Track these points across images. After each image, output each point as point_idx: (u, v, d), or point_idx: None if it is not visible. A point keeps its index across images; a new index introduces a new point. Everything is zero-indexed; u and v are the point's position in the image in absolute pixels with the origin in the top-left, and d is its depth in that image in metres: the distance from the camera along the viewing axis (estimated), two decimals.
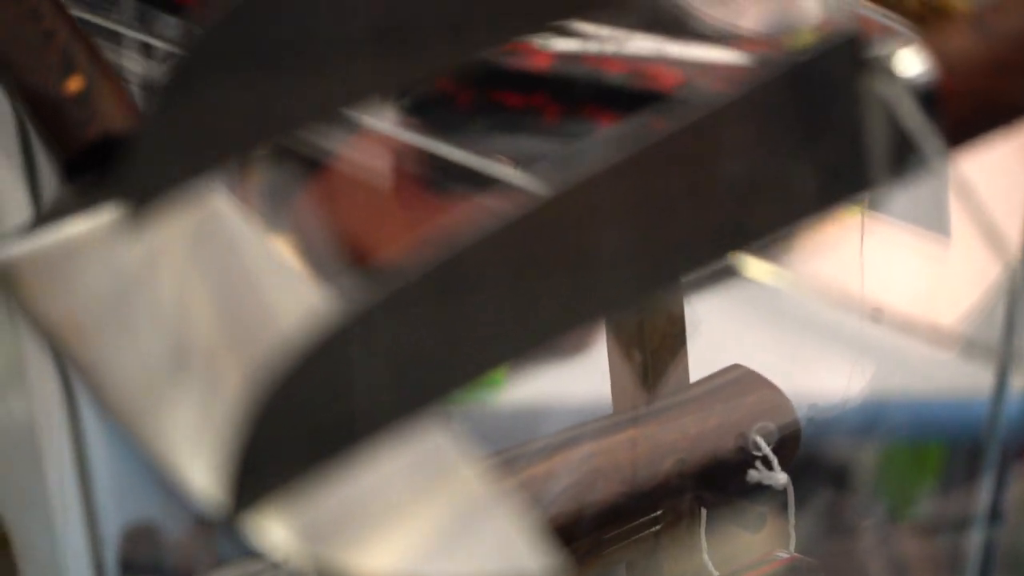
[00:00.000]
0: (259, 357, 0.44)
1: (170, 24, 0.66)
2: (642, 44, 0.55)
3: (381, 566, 0.38)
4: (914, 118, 0.40)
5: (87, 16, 0.67)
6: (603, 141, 0.38)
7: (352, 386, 0.34)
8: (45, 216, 0.50)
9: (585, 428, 0.50)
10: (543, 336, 0.37)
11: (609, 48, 0.54)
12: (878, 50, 0.41)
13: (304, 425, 0.34)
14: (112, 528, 0.55)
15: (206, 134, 0.38)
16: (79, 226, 0.49)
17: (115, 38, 0.67)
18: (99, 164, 0.52)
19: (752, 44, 0.57)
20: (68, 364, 0.48)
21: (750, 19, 0.61)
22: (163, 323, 0.47)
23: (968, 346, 0.46)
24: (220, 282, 0.48)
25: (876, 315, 0.48)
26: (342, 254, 0.61)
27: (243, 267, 0.48)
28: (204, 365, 0.46)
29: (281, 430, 0.33)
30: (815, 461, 0.51)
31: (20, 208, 0.63)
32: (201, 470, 0.43)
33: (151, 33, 0.67)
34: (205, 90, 0.38)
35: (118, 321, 0.47)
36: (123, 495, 0.55)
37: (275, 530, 0.35)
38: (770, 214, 0.40)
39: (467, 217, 0.36)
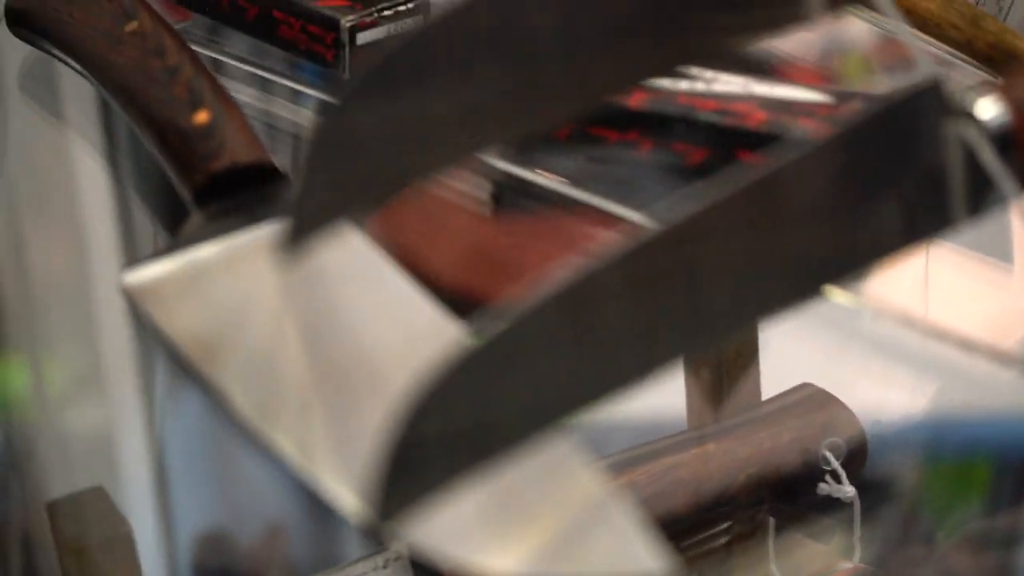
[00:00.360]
0: (381, 378, 0.46)
1: (279, 58, 0.68)
2: (729, 82, 0.57)
3: (505, 567, 0.39)
4: (991, 160, 0.42)
5: (206, 52, 0.69)
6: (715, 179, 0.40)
7: (491, 404, 0.36)
8: (178, 240, 0.52)
9: (663, 442, 0.51)
10: (665, 359, 0.39)
11: (699, 87, 0.56)
12: (958, 95, 0.42)
13: (447, 438, 0.35)
14: (186, 536, 0.56)
15: (364, 171, 0.39)
16: (208, 251, 0.51)
17: (232, 73, 0.68)
18: (226, 193, 0.54)
19: (817, 77, 0.59)
20: (195, 379, 0.48)
21: (801, 44, 0.63)
22: (283, 346, 0.48)
23: None
24: (340, 309, 0.49)
25: (939, 333, 0.50)
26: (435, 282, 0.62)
27: (363, 294, 0.49)
28: (322, 387, 0.47)
29: (427, 442, 0.35)
30: (880, 476, 0.52)
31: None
32: (338, 479, 0.44)
33: (265, 68, 0.69)
34: (363, 129, 0.38)
35: (244, 340, 0.48)
36: (198, 503, 0.56)
37: (415, 533, 0.37)
38: (857, 251, 0.42)
39: (575, 245, 0.38)
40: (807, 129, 0.54)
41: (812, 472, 0.49)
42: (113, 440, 0.55)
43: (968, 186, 0.42)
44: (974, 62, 0.61)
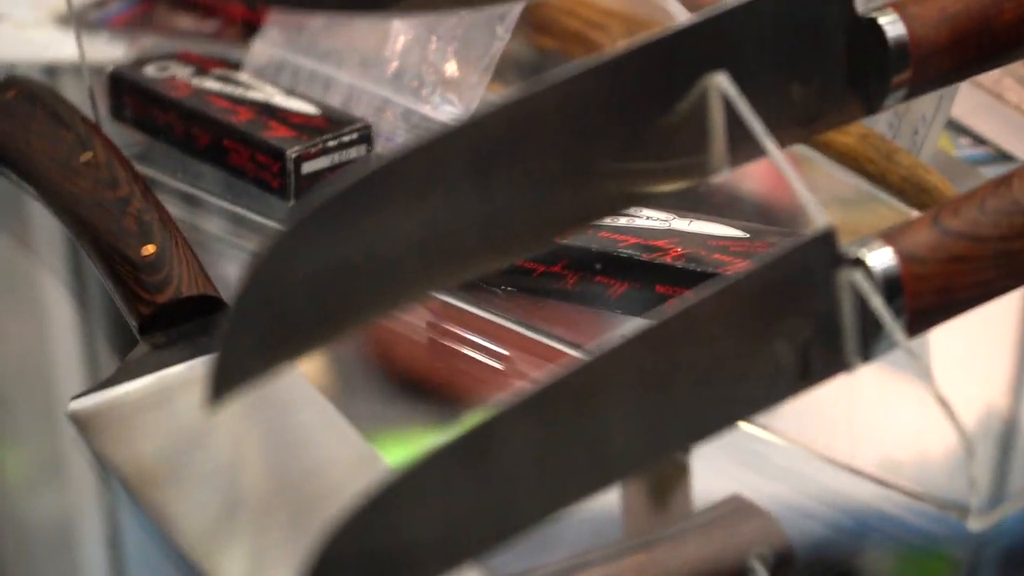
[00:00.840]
0: (310, 506, 0.46)
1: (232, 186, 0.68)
2: (651, 218, 0.58)
3: None
4: (880, 307, 0.43)
5: (150, 172, 0.69)
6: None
7: (403, 538, 0.36)
8: (121, 370, 0.52)
9: (598, 553, 0.50)
10: (566, 499, 0.40)
11: (622, 222, 0.57)
12: (850, 244, 0.44)
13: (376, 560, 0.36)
14: None
15: (296, 319, 0.39)
16: (150, 382, 0.51)
17: (189, 199, 0.69)
18: (171, 324, 0.54)
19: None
20: (135, 502, 0.48)
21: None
22: (220, 474, 0.49)
23: (941, 501, 0.49)
24: (274, 438, 0.49)
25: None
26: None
27: (296, 424, 0.50)
28: (257, 514, 0.47)
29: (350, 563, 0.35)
30: None
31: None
32: None
33: (215, 193, 0.69)
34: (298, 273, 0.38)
35: (181, 469, 0.49)
36: None
37: None
38: (752, 394, 0.43)
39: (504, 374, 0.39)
40: (722, 263, 0.55)
41: None
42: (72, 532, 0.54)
43: (860, 331, 0.43)
44: (888, 193, 0.63)
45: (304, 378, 0.51)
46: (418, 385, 0.62)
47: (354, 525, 0.35)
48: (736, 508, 0.52)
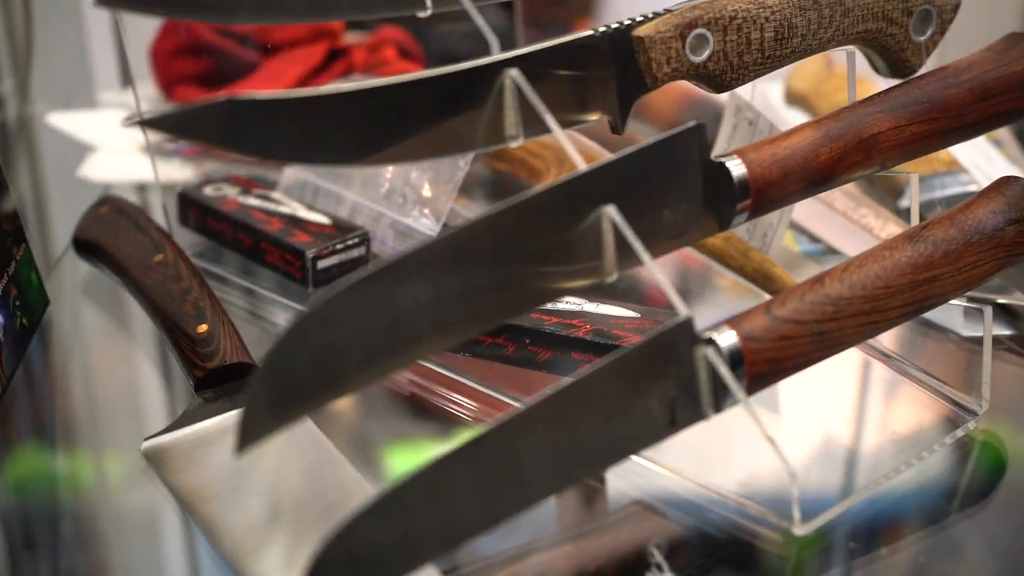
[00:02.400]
0: (314, 524, 0.46)
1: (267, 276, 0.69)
2: (570, 303, 0.58)
3: None
4: (726, 374, 0.43)
5: (208, 266, 0.70)
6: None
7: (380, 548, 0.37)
8: (180, 419, 0.52)
9: (540, 543, 0.50)
10: (493, 522, 0.39)
11: (547, 305, 0.56)
12: (704, 328, 0.44)
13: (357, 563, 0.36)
14: None
15: (304, 385, 0.38)
16: (204, 426, 0.51)
17: (234, 286, 0.69)
18: (217, 383, 0.54)
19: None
20: (189, 516, 0.48)
21: None
22: (253, 497, 0.48)
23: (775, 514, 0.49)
24: (290, 473, 0.49)
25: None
26: None
27: (306, 461, 0.49)
28: (293, 519, 0.47)
29: (338, 565, 0.36)
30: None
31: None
32: None
33: (255, 282, 0.69)
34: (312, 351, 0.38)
35: (223, 493, 0.48)
36: None
37: None
38: (633, 438, 0.43)
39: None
40: (620, 336, 0.55)
41: (642, 564, 0.48)
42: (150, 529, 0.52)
43: (712, 392, 0.44)
44: (745, 280, 0.63)
45: (314, 426, 0.50)
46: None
47: (341, 536, 0.36)
48: (640, 509, 0.52)
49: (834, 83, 0.81)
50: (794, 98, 0.85)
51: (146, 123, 0.38)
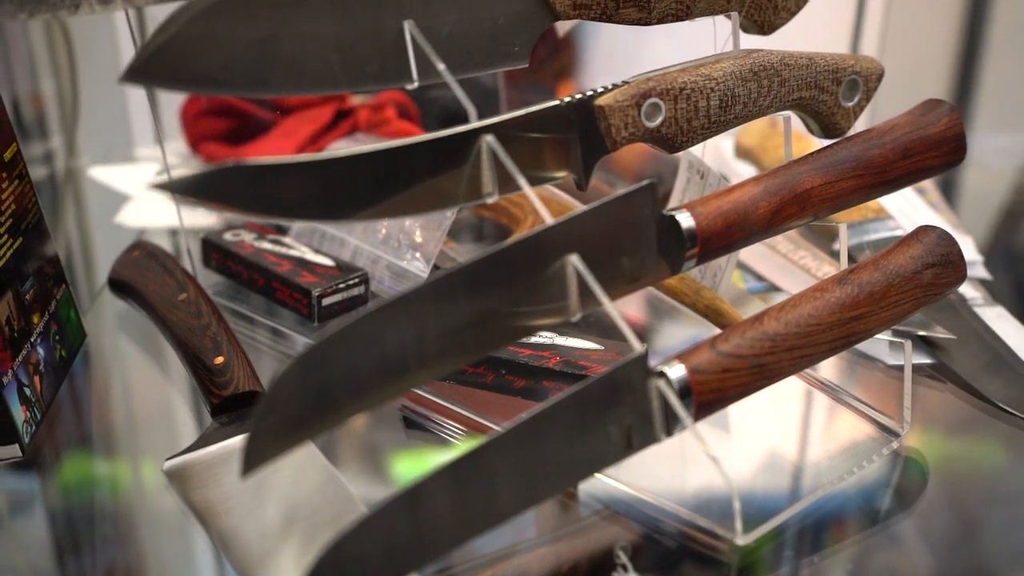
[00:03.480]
0: (311, 537, 0.46)
1: (278, 312, 0.68)
2: (542, 336, 0.58)
3: None
4: (676, 403, 0.43)
5: (227, 303, 0.69)
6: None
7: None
8: (198, 441, 0.52)
9: (520, 546, 0.50)
10: (470, 535, 0.39)
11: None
12: (657, 362, 0.44)
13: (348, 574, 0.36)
14: None
15: (302, 414, 0.38)
16: (218, 447, 0.51)
17: (249, 320, 0.68)
18: (232, 409, 0.54)
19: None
20: (204, 529, 0.47)
21: None
22: (280, 500, 0.48)
23: (720, 526, 0.48)
24: (292, 492, 0.48)
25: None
26: None
27: (305, 482, 0.49)
28: (296, 532, 0.47)
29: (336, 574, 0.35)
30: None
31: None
32: None
33: (268, 317, 0.68)
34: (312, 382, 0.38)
35: (234, 509, 0.47)
36: None
37: None
38: (593, 459, 0.42)
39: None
40: (585, 367, 0.55)
41: (609, 565, 0.48)
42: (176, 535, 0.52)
43: (664, 418, 0.44)
44: (697, 315, 0.63)
45: (316, 449, 0.50)
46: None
47: (333, 551, 0.35)
48: (607, 517, 0.51)
49: (777, 139, 0.81)
50: (743, 152, 0.86)
51: (163, 187, 0.38)
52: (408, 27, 0.45)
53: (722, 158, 0.87)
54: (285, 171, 0.40)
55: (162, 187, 0.38)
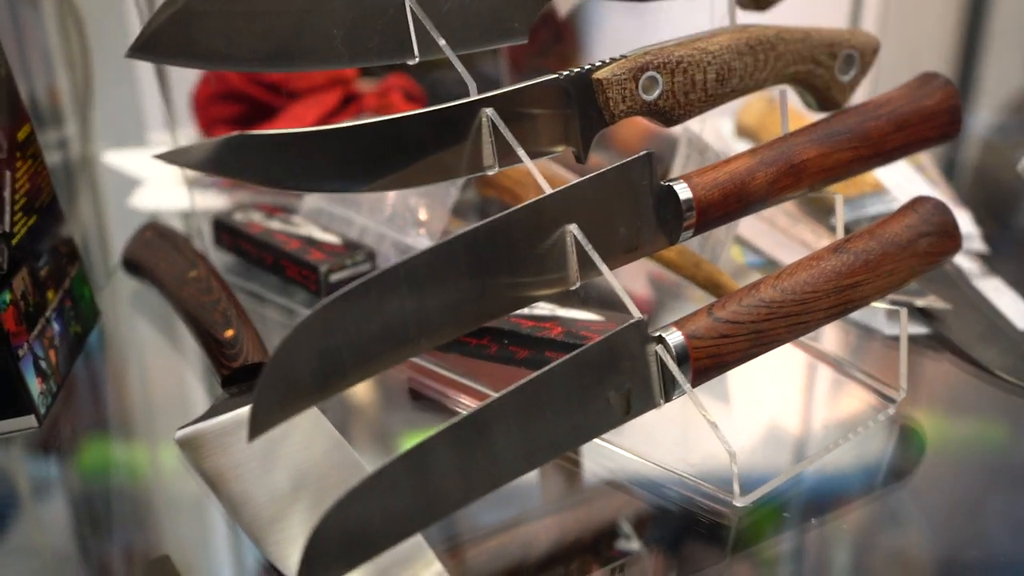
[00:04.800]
0: (317, 500, 0.46)
1: (287, 289, 0.68)
2: (543, 308, 0.58)
3: None
4: (674, 367, 0.44)
5: (238, 280, 0.70)
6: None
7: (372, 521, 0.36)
8: (209, 411, 0.51)
9: (522, 514, 0.50)
10: (475, 495, 0.39)
11: (524, 311, 0.56)
12: (655, 328, 0.44)
13: (345, 542, 0.36)
14: None
15: (305, 380, 0.38)
16: (229, 416, 0.50)
17: (259, 296, 0.69)
18: (241, 380, 0.54)
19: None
20: (214, 495, 0.47)
21: None
22: (288, 465, 0.48)
23: (720, 489, 0.48)
24: (296, 457, 0.48)
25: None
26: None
27: (310, 446, 0.49)
28: (303, 496, 0.47)
29: (329, 543, 0.35)
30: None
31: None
32: (290, 561, 0.43)
33: (277, 294, 0.68)
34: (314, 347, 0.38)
35: (250, 470, 0.48)
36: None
37: None
38: (593, 423, 0.42)
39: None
40: (586, 337, 0.55)
41: (613, 533, 0.48)
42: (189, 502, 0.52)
43: (662, 384, 0.44)
44: (697, 287, 0.63)
45: (320, 415, 0.50)
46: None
47: (336, 512, 0.35)
48: (610, 488, 0.51)
49: (777, 118, 0.81)
50: (743, 131, 0.85)
51: (163, 157, 0.38)
52: (409, 2, 0.45)
53: (722, 137, 0.87)
54: (292, 142, 0.40)
55: (169, 157, 0.39)
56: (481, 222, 0.41)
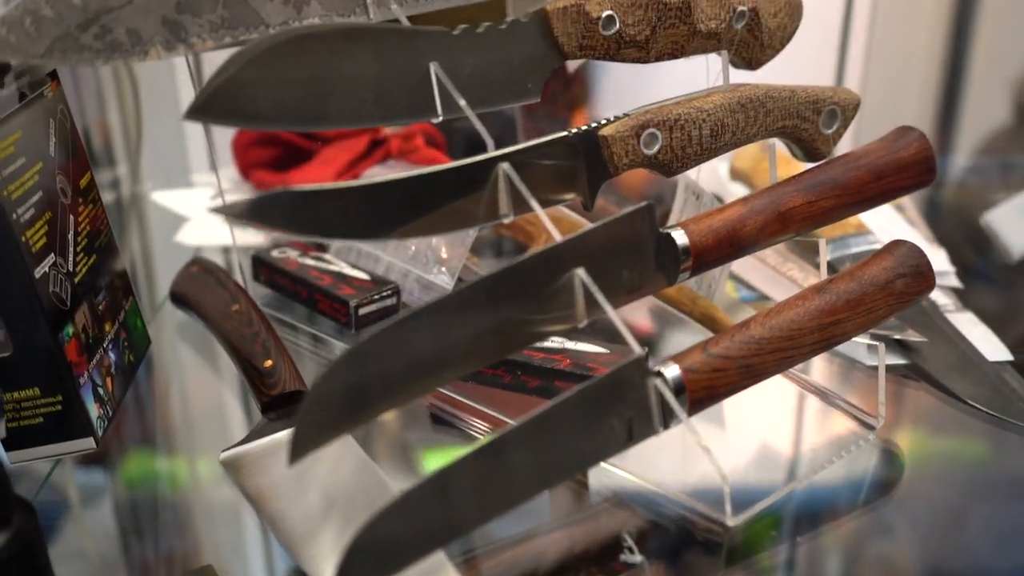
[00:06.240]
0: (350, 519, 0.47)
1: (320, 321, 0.69)
2: (553, 341, 0.59)
3: None
4: (671, 399, 0.45)
5: (275, 313, 0.71)
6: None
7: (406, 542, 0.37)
8: (250, 435, 0.52)
9: (534, 529, 0.50)
10: (488, 518, 0.40)
11: (536, 344, 0.57)
12: (654, 362, 0.45)
13: (377, 558, 0.37)
14: None
15: (340, 411, 0.39)
16: (268, 440, 0.52)
17: (294, 328, 0.70)
18: (280, 407, 0.54)
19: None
20: (256, 512, 0.48)
21: None
22: (321, 486, 0.48)
23: (713, 509, 0.49)
24: (332, 481, 0.49)
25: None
26: None
27: (344, 469, 0.50)
28: (338, 515, 0.47)
29: (363, 559, 0.36)
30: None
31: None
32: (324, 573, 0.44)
33: (312, 325, 0.70)
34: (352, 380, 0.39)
35: (283, 495, 0.48)
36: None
37: None
38: (597, 450, 0.43)
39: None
40: (593, 368, 0.56)
41: (617, 547, 0.48)
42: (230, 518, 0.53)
43: (661, 413, 0.45)
44: (693, 321, 0.64)
45: (353, 441, 0.50)
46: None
47: (368, 530, 0.36)
48: (614, 505, 0.52)
49: (767, 163, 0.82)
50: (737, 174, 0.87)
51: (220, 211, 0.40)
52: (434, 68, 0.47)
53: (718, 180, 0.88)
54: (326, 196, 0.42)
55: (219, 211, 0.40)
56: (498, 269, 0.43)
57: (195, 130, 0.99)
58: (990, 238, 0.69)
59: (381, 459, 0.55)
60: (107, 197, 0.95)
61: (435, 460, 0.58)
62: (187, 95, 0.93)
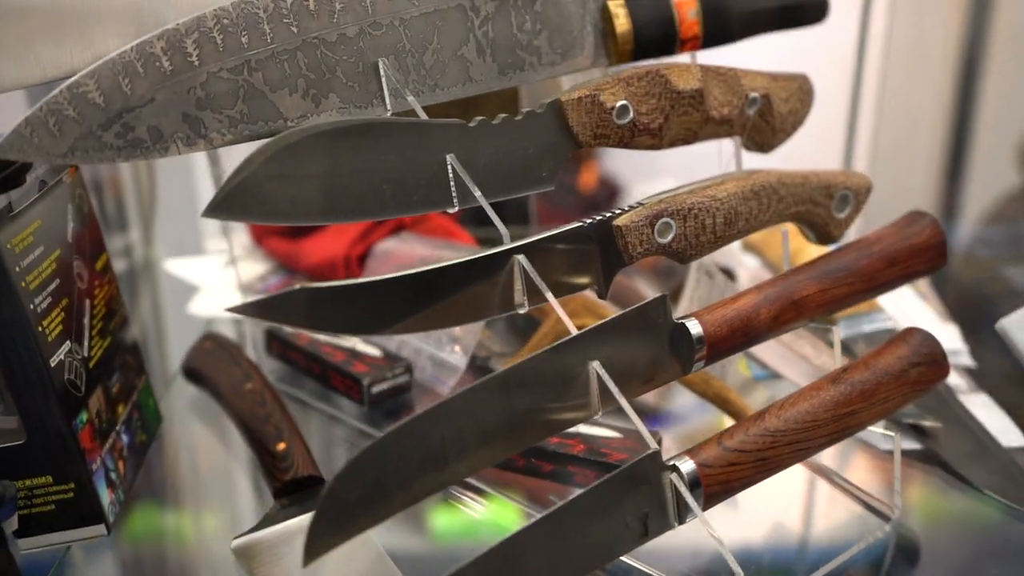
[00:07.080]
0: None
1: (335, 398, 0.69)
2: None
3: None
4: (686, 493, 0.44)
5: (290, 390, 0.71)
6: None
7: None
8: (262, 521, 0.52)
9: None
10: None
11: None
12: (668, 458, 0.45)
13: None
14: None
15: (358, 510, 0.39)
16: (281, 527, 0.51)
17: (306, 405, 0.70)
18: (292, 492, 0.55)
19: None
20: None
21: None
22: (335, 573, 0.48)
23: None
24: (363, 558, 0.49)
25: None
26: None
27: (357, 560, 0.50)
28: None
29: None
30: None
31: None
32: None
33: (324, 401, 0.70)
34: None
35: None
36: None
37: None
38: (615, 544, 0.43)
39: None
40: (606, 453, 0.56)
41: None
42: None
43: (676, 507, 0.45)
44: (707, 401, 0.64)
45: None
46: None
47: None
48: None
49: (779, 235, 0.83)
50: (749, 246, 0.87)
51: (237, 310, 0.41)
52: (450, 160, 0.47)
53: (731, 251, 0.88)
54: (338, 294, 0.42)
55: (236, 310, 0.41)
56: (513, 365, 0.43)
57: (209, 195, 1.01)
58: (1003, 312, 0.69)
59: (394, 539, 0.55)
60: (119, 265, 0.96)
61: (447, 541, 0.58)
62: (200, 159, 0.93)
